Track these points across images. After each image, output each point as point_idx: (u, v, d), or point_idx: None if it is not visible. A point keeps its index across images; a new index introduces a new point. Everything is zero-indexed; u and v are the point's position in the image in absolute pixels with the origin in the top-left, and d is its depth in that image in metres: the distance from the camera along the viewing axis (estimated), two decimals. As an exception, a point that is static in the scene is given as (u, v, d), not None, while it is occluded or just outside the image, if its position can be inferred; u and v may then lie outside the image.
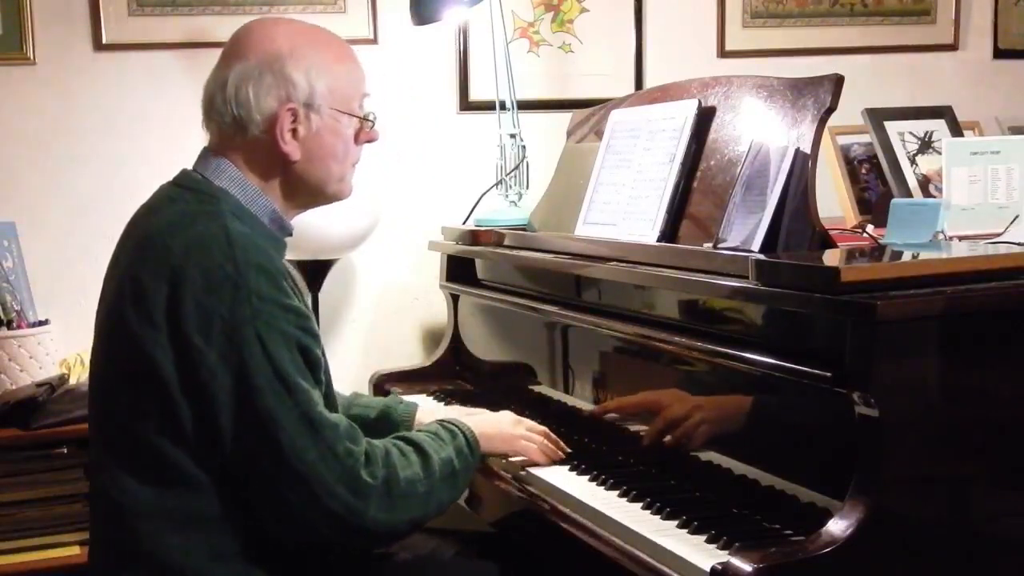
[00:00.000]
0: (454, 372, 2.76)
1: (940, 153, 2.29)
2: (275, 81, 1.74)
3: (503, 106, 2.89)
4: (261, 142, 1.76)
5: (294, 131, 1.75)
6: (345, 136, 1.81)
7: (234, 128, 1.75)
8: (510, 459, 2.02)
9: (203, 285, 1.61)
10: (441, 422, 1.91)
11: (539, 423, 2.08)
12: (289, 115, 1.74)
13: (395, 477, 1.69)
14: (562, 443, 2.04)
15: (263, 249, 1.68)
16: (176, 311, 1.61)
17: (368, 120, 1.85)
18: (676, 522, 1.68)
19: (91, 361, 1.79)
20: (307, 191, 1.82)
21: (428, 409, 2.20)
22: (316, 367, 1.70)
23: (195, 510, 1.66)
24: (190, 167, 1.81)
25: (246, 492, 1.66)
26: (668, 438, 1.90)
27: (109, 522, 1.71)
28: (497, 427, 1.99)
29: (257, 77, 1.74)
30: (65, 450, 2.52)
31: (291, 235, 1.85)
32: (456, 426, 1.88)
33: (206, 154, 1.80)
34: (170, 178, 1.82)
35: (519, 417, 2.06)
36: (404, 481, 1.70)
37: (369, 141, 1.87)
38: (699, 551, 1.57)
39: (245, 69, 1.74)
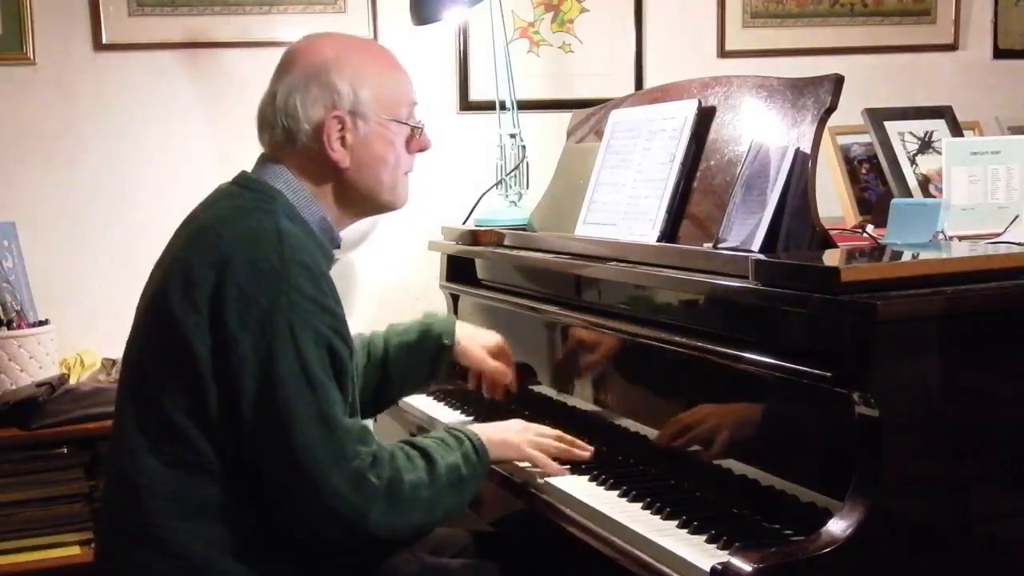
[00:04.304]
0: (454, 372, 2.75)
1: (940, 153, 2.29)
2: (320, 90, 1.78)
3: (503, 106, 2.89)
4: (311, 151, 1.80)
5: (342, 139, 1.80)
6: (396, 144, 1.85)
7: (285, 138, 1.80)
8: (520, 467, 1.98)
9: (247, 274, 1.65)
10: (448, 429, 1.91)
11: (539, 423, 2.07)
12: (336, 123, 1.79)
13: (399, 480, 1.70)
14: (580, 443, 1.99)
15: (310, 250, 1.72)
16: (219, 297, 1.65)
17: (418, 127, 1.88)
18: (676, 522, 1.68)
19: (128, 343, 1.81)
20: (360, 199, 1.86)
21: (470, 327, 2.25)
22: (342, 373, 1.71)
23: (208, 498, 1.68)
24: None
25: (258, 483, 1.68)
26: (668, 438, 1.90)
27: (123, 506, 1.72)
28: (504, 434, 1.96)
29: (303, 87, 1.79)
30: (65, 450, 2.52)
31: (338, 247, 1.88)
32: (463, 433, 1.88)
33: (263, 159, 1.85)
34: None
35: (527, 424, 2.02)
36: (408, 485, 1.71)
37: (421, 150, 1.91)
38: (699, 551, 1.57)
39: (292, 81, 1.80)
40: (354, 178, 1.83)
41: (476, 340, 2.22)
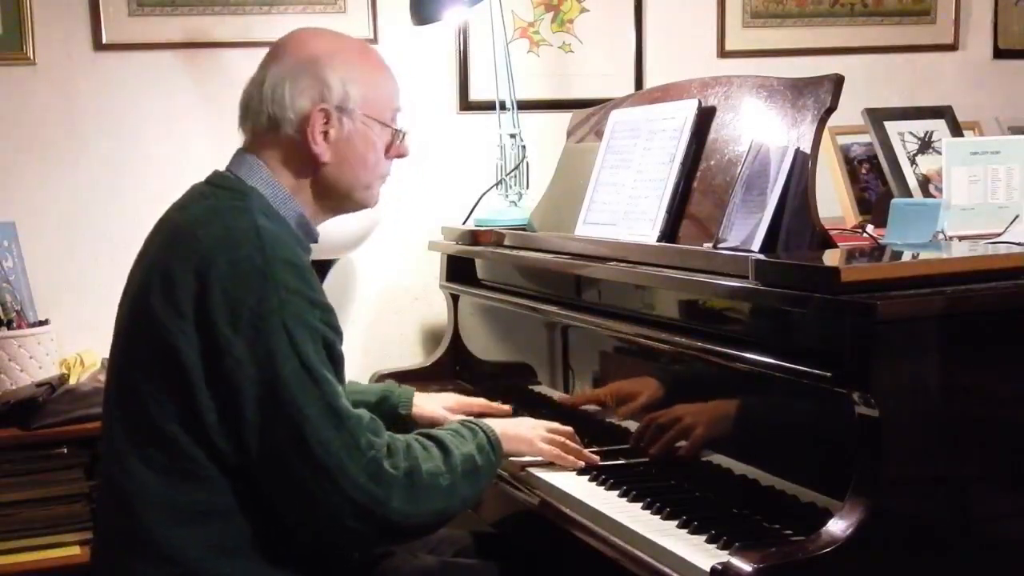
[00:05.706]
0: (454, 372, 2.76)
1: (940, 153, 2.29)
2: (310, 82, 1.78)
3: (503, 106, 2.89)
4: (293, 142, 1.79)
5: (325, 133, 1.79)
6: (376, 146, 1.85)
7: (268, 127, 1.80)
8: (530, 462, 2.00)
9: (231, 275, 1.63)
10: (462, 421, 1.92)
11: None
12: (321, 116, 1.78)
13: (417, 469, 1.70)
14: (587, 452, 2.00)
15: (290, 245, 1.71)
16: (204, 301, 1.63)
17: (399, 133, 1.88)
18: (676, 522, 1.68)
19: (111, 352, 1.80)
20: (335, 195, 1.85)
21: (427, 394, 2.25)
22: (338, 363, 1.72)
23: (202, 503, 1.67)
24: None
25: (267, 486, 1.67)
26: (668, 438, 1.90)
27: (117, 513, 1.72)
28: (517, 429, 1.99)
29: (293, 77, 1.78)
30: (65, 450, 2.52)
31: (316, 242, 1.87)
32: (477, 425, 1.89)
33: (240, 154, 1.84)
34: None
35: (539, 420, 2.06)
36: (426, 473, 1.70)
37: (399, 156, 1.91)
38: (699, 551, 1.57)
39: (282, 69, 1.79)
40: (333, 174, 1.82)
41: (434, 401, 2.24)
